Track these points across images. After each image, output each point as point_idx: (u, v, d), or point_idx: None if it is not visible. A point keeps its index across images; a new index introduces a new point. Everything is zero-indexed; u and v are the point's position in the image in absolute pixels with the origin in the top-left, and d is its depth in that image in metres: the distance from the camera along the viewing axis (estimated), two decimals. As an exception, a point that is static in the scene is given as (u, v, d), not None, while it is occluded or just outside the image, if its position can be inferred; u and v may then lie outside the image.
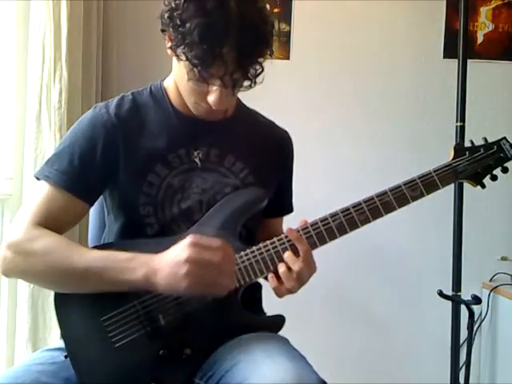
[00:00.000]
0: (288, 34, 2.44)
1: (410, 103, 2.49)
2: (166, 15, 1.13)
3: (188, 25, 1.07)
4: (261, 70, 1.14)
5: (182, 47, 1.10)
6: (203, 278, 1.05)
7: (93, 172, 1.21)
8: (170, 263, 1.05)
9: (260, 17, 1.12)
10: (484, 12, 2.46)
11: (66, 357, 1.16)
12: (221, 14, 1.07)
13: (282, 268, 1.15)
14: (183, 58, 1.11)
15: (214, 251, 1.05)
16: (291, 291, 1.16)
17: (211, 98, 1.15)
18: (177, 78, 1.23)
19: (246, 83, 1.14)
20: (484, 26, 2.47)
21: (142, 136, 1.23)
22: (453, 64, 2.22)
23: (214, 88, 1.13)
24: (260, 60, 1.13)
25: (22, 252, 1.13)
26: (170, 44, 1.15)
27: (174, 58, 1.19)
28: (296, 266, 1.14)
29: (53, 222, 1.17)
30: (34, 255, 1.12)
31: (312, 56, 2.46)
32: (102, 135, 1.21)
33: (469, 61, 2.13)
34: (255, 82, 1.14)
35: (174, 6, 1.11)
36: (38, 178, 1.22)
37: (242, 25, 1.07)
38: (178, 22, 1.09)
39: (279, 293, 1.16)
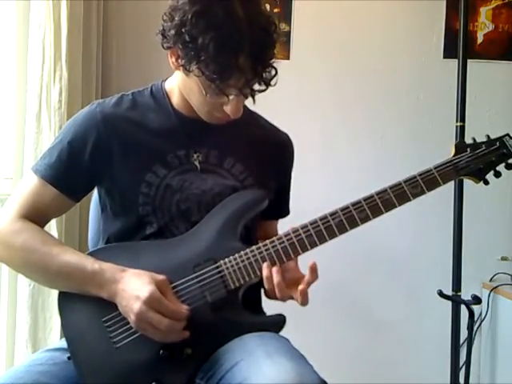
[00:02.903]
0: (288, 34, 2.44)
1: (410, 103, 2.48)
2: (172, 32, 1.11)
3: (200, 40, 1.06)
4: (275, 72, 1.14)
5: (196, 63, 1.09)
6: (146, 329, 1.10)
7: (80, 169, 1.23)
8: (129, 294, 1.10)
9: (266, 20, 1.12)
10: (484, 12, 2.46)
11: (69, 358, 1.16)
12: (231, 25, 1.06)
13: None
14: (198, 73, 1.10)
15: (161, 320, 1.08)
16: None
17: (230, 108, 1.15)
18: (184, 90, 1.22)
19: (262, 87, 1.14)
20: (484, 25, 2.47)
21: (140, 135, 1.24)
22: (453, 64, 2.23)
23: (231, 97, 1.13)
24: (272, 62, 1.13)
25: (3, 243, 1.21)
26: (177, 60, 1.15)
27: (180, 72, 1.18)
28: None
29: (37, 214, 1.23)
30: (14, 249, 1.19)
31: (312, 56, 2.46)
32: (93, 133, 1.22)
33: (469, 61, 2.13)
34: (270, 85, 1.14)
35: (179, 22, 1.09)
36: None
37: (252, 32, 1.08)
38: (188, 38, 1.08)
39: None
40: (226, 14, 1.07)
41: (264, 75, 1.12)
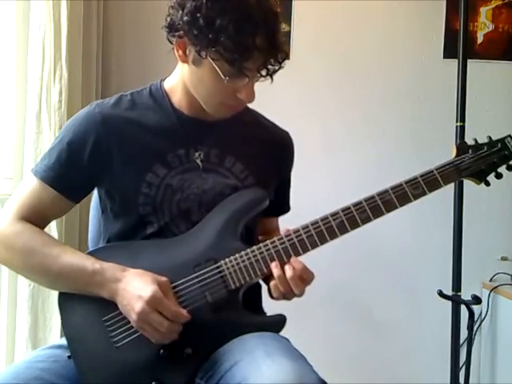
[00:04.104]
0: (288, 34, 2.43)
1: (409, 103, 2.48)
2: (186, 18, 1.11)
3: (219, 22, 1.07)
4: (285, 54, 1.16)
5: (213, 47, 1.09)
6: (146, 330, 1.10)
7: (79, 170, 1.22)
8: (131, 294, 1.10)
9: (273, 4, 1.15)
10: (484, 12, 2.46)
11: (69, 357, 1.16)
12: (245, 7, 1.09)
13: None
14: (216, 57, 1.11)
15: (162, 321, 1.08)
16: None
17: (244, 93, 1.16)
18: (192, 83, 1.21)
19: (276, 68, 1.16)
20: (484, 25, 2.47)
21: (140, 135, 1.23)
22: (453, 64, 2.22)
23: (245, 81, 1.14)
24: (283, 43, 1.16)
25: (3, 244, 1.20)
26: (185, 52, 1.15)
27: (185, 64, 1.18)
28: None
29: (37, 215, 1.22)
30: (13, 251, 1.19)
31: (312, 56, 2.46)
32: (93, 134, 1.21)
33: (469, 61, 2.12)
34: (282, 66, 1.17)
35: (193, 8, 1.10)
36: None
37: (264, 13, 1.10)
38: (203, 22, 1.09)
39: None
40: None
41: (279, 55, 1.14)
